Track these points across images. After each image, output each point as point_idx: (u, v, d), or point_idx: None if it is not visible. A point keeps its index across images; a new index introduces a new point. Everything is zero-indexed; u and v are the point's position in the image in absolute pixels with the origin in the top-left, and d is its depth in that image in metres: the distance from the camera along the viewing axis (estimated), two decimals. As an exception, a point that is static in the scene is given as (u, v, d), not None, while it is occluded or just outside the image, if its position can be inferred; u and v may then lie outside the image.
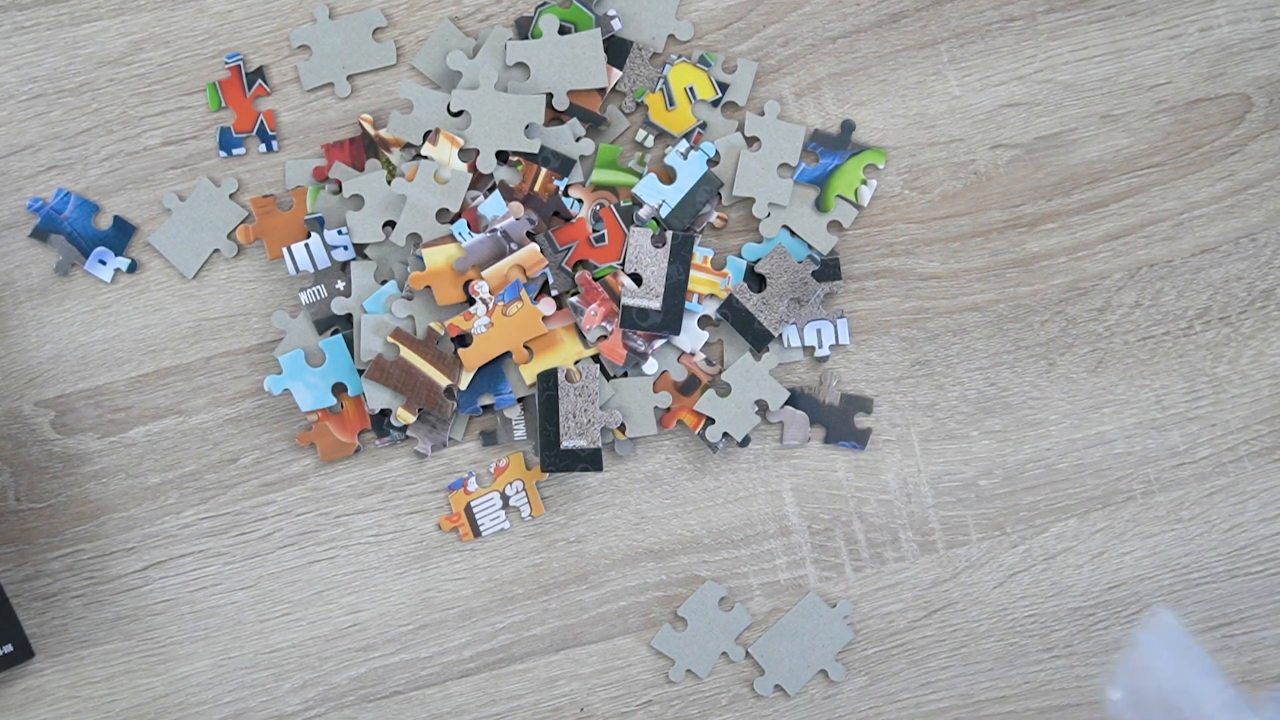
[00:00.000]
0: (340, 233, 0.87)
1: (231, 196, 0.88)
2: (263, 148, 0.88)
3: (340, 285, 0.87)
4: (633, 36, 0.89)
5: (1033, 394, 0.90)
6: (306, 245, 0.87)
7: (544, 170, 0.87)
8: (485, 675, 0.89)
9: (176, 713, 0.88)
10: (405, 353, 0.85)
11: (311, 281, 0.87)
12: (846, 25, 0.90)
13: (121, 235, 0.88)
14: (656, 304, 0.87)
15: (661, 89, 0.88)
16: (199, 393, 0.89)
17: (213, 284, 0.89)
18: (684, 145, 0.87)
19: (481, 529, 0.89)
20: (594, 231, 0.87)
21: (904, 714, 0.90)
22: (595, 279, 0.87)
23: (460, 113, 0.87)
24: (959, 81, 0.90)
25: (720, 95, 0.89)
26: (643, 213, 0.87)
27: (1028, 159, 0.90)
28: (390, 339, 0.85)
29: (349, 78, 0.89)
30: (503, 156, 0.87)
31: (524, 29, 0.88)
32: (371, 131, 0.88)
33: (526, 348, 0.86)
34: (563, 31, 0.87)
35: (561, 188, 0.87)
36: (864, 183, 0.89)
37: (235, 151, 0.88)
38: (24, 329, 0.88)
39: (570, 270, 0.87)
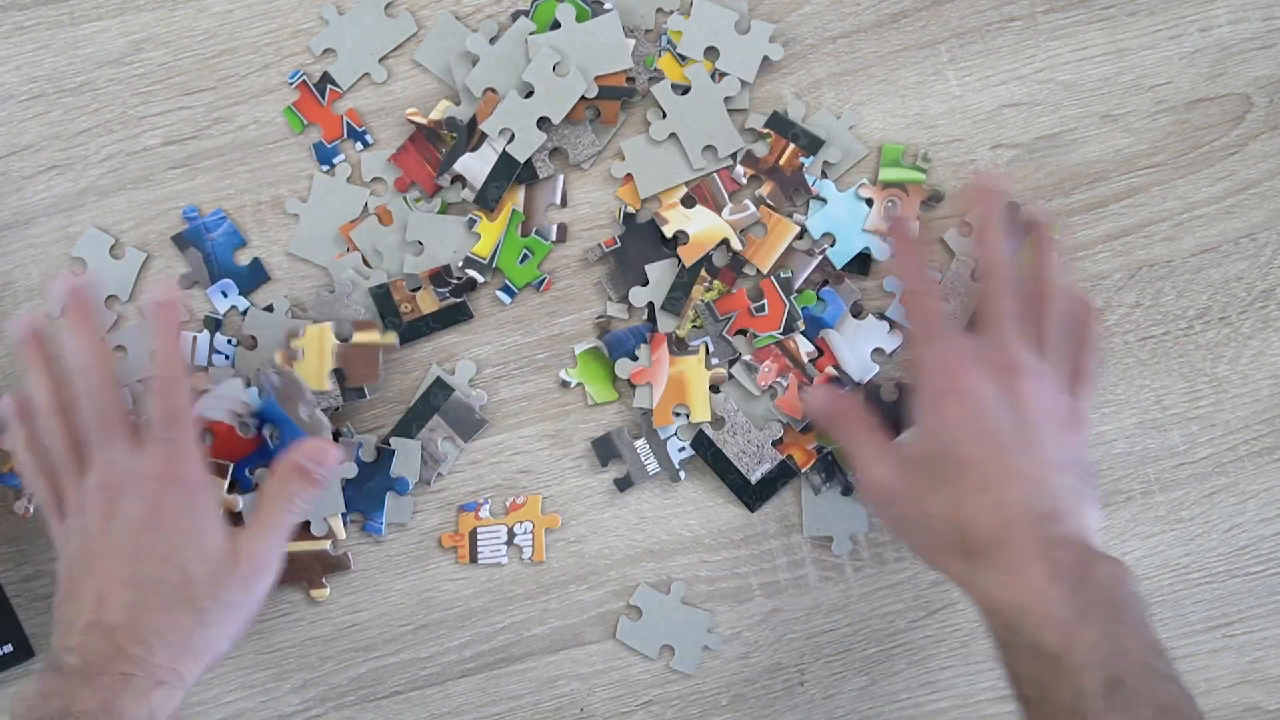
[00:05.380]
0: (230, 342, 0.86)
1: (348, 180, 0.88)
2: (359, 145, 0.88)
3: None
4: (624, 21, 0.88)
5: (1033, 394, 0.90)
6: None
7: (791, 145, 0.87)
8: (485, 675, 0.89)
9: (176, 713, 0.88)
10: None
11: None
12: (846, 25, 0.90)
13: (254, 277, 0.88)
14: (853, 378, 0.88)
15: (668, 49, 0.87)
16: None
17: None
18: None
19: (480, 558, 0.89)
20: (754, 302, 0.87)
21: (904, 714, 0.90)
22: (757, 348, 0.87)
23: (531, 93, 0.86)
24: (959, 81, 0.90)
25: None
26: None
27: (1028, 159, 0.90)
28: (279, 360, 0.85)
29: (380, 60, 0.88)
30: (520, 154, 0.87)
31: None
32: (423, 121, 0.87)
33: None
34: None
35: (806, 165, 0.88)
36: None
37: (335, 161, 0.88)
38: (24, 329, 0.88)
39: (729, 339, 0.87)
